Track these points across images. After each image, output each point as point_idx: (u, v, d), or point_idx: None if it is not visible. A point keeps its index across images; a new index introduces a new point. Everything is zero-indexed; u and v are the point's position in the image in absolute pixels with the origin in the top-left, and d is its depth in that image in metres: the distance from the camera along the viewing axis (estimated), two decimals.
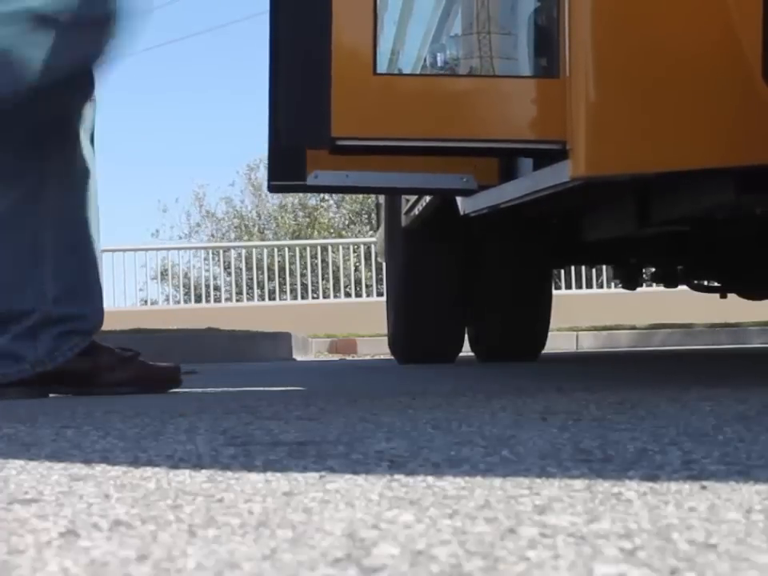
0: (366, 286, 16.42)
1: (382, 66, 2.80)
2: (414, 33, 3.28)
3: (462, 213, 3.53)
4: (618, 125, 2.45)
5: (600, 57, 2.45)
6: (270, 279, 16.07)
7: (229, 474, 1.28)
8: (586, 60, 2.45)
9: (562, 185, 2.59)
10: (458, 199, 3.57)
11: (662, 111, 2.45)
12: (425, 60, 3.18)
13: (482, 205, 3.28)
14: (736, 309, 7.85)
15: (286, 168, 3.25)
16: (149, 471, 1.32)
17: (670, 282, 5.60)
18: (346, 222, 26.90)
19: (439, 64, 3.04)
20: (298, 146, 2.98)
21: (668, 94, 2.45)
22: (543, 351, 5.82)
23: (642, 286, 6.82)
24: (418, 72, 3.15)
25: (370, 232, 24.40)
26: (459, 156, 3.19)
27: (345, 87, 2.62)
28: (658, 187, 3.04)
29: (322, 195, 26.04)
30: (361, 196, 22.88)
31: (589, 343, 11.28)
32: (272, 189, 3.43)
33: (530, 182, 2.92)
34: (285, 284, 17.53)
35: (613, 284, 13.54)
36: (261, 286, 15.32)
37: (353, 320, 13.00)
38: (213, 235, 28.63)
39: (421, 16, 3.37)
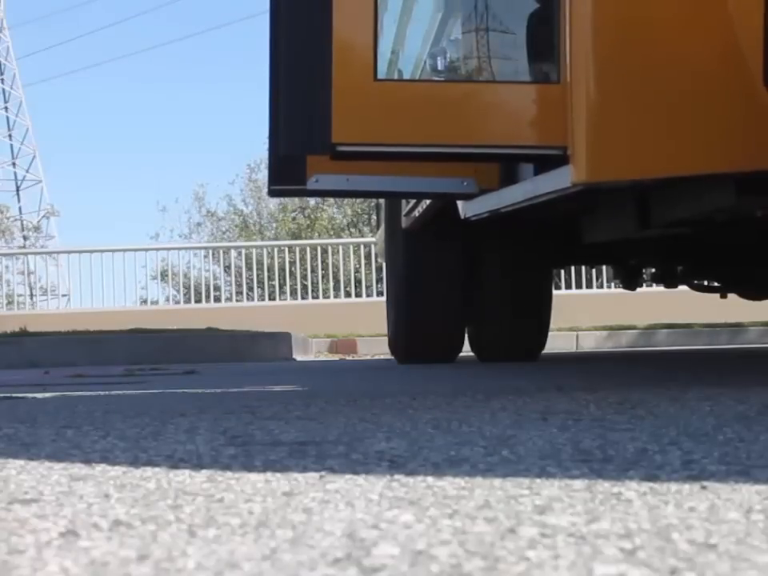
0: (366, 286, 16.40)
1: (383, 72, 2.79)
2: (415, 39, 3.28)
3: (462, 216, 3.53)
4: (619, 131, 2.45)
5: (601, 63, 2.45)
6: (270, 279, 16.05)
7: (229, 474, 1.28)
8: (587, 66, 2.45)
9: (562, 190, 2.59)
10: (459, 203, 3.57)
11: (663, 117, 2.45)
12: (425, 66, 3.18)
13: (483, 209, 3.28)
14: (736, 309, 7.84)
15: (286, 172, 3.24)
16: (149, 471, 1.32)
17: (670, 283, 5.60)
18: (346, 223, 26.89)
19: (440, 70, 3.04)
20: (299, 152, 2.98)
21: (669, 101, 2.45)
22: (543, 351, 5.82)
23: (641, 286, 6.82)
24: (418, 78, 3.15)
25: (368, 231, 24.39)
26: (460, 161, 3.19)
27: (345, 93, 2.62)
28: (657, 190, 3.03)
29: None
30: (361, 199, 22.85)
31: (589, 343, 11.27)
32: (272, 193, 3.42)
33: (530, 187, 2.92)
34: (285, 284, 17.52)
35: (613, 284, 13.53)
36: (261, 286, 15.30)
37: (353, 320, 12.99)
38: (213, 234, 28.63)
39: (421, 22, 3.37)
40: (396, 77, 3.06)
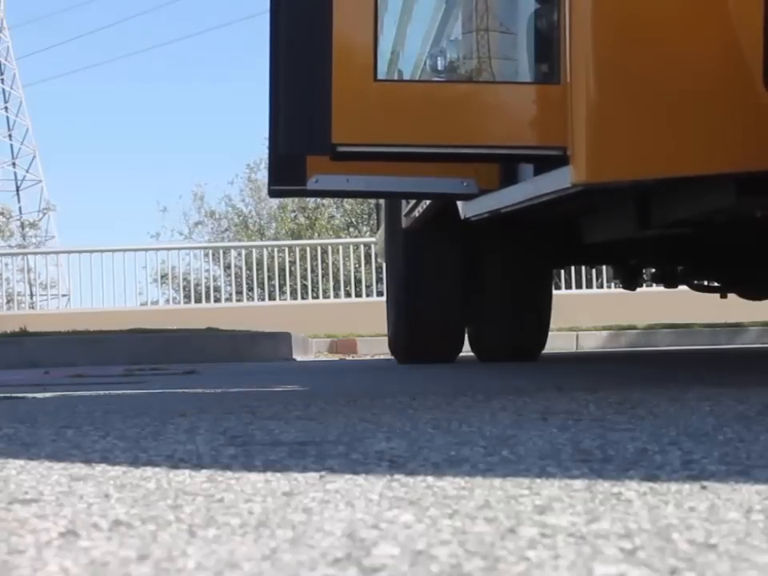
0: (366, 286, 16.40)
1: (383, 73, 2.79)
2: (415, 39, 3.27)
3: (462, 217, 3.53)
4: (620, 131, 2.45)
5: (601, 63, 2.45)
6: (270, 279, 16.05)
7: (229, 473, 1.28)
8: (587, 66, 2.45)
9: (562, 191, 2.59)
10: (459, 203, 3.57)
11: (664, 118, 2.45)
12: (426, 67, 3.18)
13: (483, 210, 3.28)
14: (736, 309, 7.84)
15: (287, 172, 3.24)
16: (149, 471, 1.32)
17: (670, 283, 5.60)
18: (345, 223, 26.89)
19: (440, 70, 3.03)
20: (298, 153, 2.98)
21: (669, 101, 2.45)
22: (543, 351, 5.82)
23: (641, 286, 6.82)
24: (418, 78, 3.14)
25: (367, 231, 24.40)
26: (460, 161, 3.19)
27: (345, 94, 2.62)
28: (658, 191, 3.03)
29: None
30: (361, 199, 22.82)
31: (589, 343, 11.27)
32: (272, 193, 3.42)
33: (530, 188, 2.92)
34: (285, 284, 17.53)
35: (613, 284, 13.53)
36: (261, 286, 15.30)
37: (353, 320, 12.99)
38: (212, 232, 28.65)
39: (422, 22, 3.36)
40: (396, 77, 3.06)
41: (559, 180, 2.57)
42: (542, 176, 2.79)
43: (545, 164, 2.78)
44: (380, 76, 2.68)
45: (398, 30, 3.23)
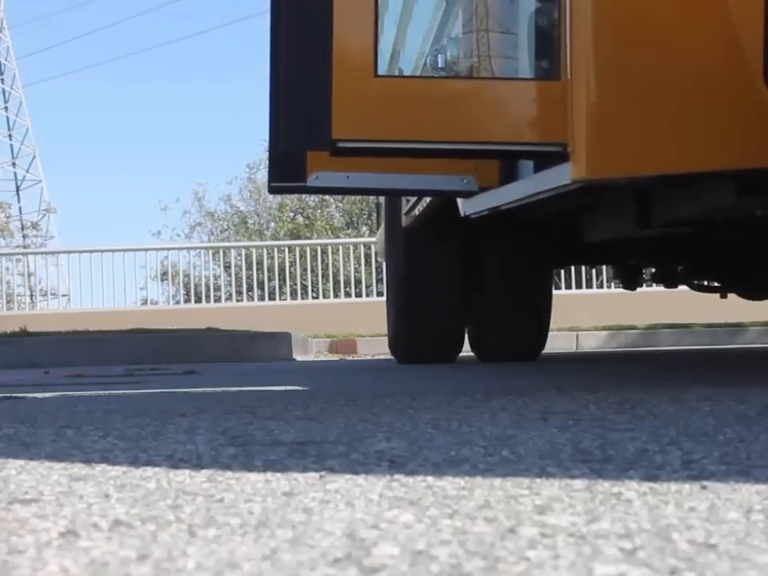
0: (366, 286, 16.39)
1: (383, 69, 2.79)
2: (416, 36, 3.27)
3: (462, 214, 3.53)
4: (620, 127, 2.45)
5: (601, 60, 2.45)
6: (270, 279, 16.04)
7: (229, 473, 1.28)
8: (588, 63, 2.45)
9: (562, 187, 2.59)
10: (459, 201, 3.57)
11: (664, 114, 2.45)
12: (426, 63, 3.18)
13: (482, 207, 3.28)
14: (736, 309, 7.84)
15: (287, 169, 3.24)
16: (149, 471, 1.32)
17: (670, 283, 5.60)
18: (344, 222, 26.88)
19: (441, 67, 3.03)
20: (298, 148, 2.98)
21: (669, 98, 2.45)
22: (543, 351, 5.82)
23: (641, 286, 6.82)
24: (419, 74, 3.14)
25: (366, 231, 24.40)
26: (460, 158, 3.19)
27: (346, 89, 2.62)
28: (657, 189, 3.03)
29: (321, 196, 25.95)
30: (359, 198, 22.85)
31: (589, 343, 11.27)
32: (272, 190, 3.42)
33: (530, 185, 2.92)
34: (285, 284, 17.54)
35: (613, 284, 13.52)
36: (261, 286, 15.30)
37: (353, 320, 12.98)
38: (212, 232, 28.64)
39: (422, 18, 3.37)
40: (396, 73, 3.06)
41: (559, 177, 2.57)
42: (542, 173, 2.79)
43: (545, 161, 2.78)
44: (380, 72, 2.68)
45: (398, 26, 3.23)
